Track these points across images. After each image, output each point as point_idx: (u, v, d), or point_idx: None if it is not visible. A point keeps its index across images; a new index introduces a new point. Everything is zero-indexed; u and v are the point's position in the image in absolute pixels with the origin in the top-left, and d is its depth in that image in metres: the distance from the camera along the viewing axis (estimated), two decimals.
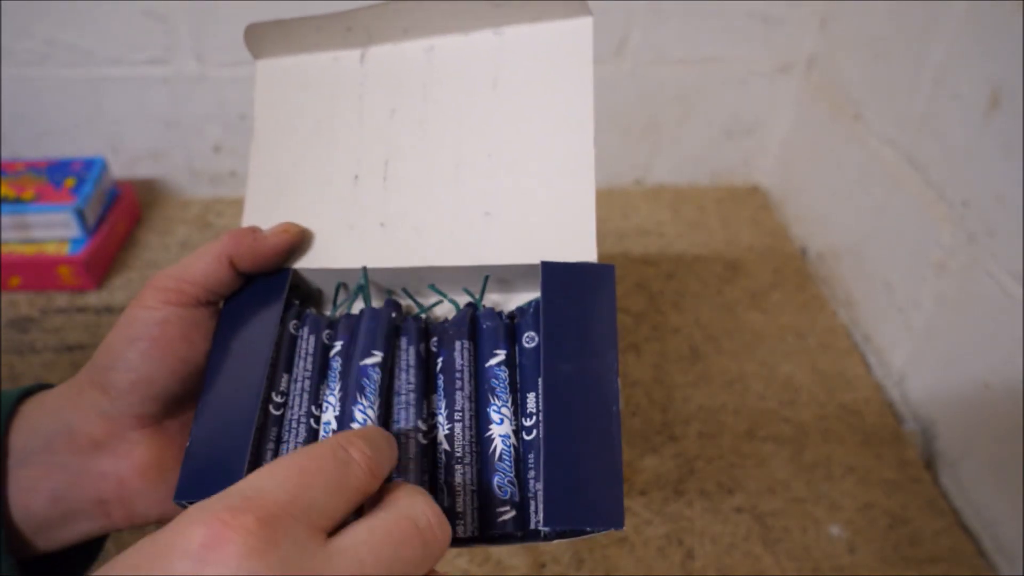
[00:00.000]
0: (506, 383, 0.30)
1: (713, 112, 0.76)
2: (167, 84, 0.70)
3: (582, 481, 0.26)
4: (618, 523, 0.25)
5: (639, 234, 0.73)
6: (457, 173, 0.33)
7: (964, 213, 0.50)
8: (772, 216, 0.77)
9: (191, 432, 0.29)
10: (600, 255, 0.30)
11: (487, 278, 0.32)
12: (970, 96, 0.50)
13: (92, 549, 0.32)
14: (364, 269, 0.33)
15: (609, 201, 0.78)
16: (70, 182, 0.65)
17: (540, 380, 0.28)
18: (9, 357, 0.58)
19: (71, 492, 0.29)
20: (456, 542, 0.27)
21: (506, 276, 0.33)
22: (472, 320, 0.32)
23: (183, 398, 0.31)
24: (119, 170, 0.75)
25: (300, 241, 0.34)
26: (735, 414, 0.56)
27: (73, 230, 0.64)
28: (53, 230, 0.63)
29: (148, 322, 0.29)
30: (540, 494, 0.26)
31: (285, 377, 0.31)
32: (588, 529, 0.25)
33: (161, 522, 0.30)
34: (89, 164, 0.67)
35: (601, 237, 0.31)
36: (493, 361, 0.30)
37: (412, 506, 0.22)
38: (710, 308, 0.65)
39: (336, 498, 0.21)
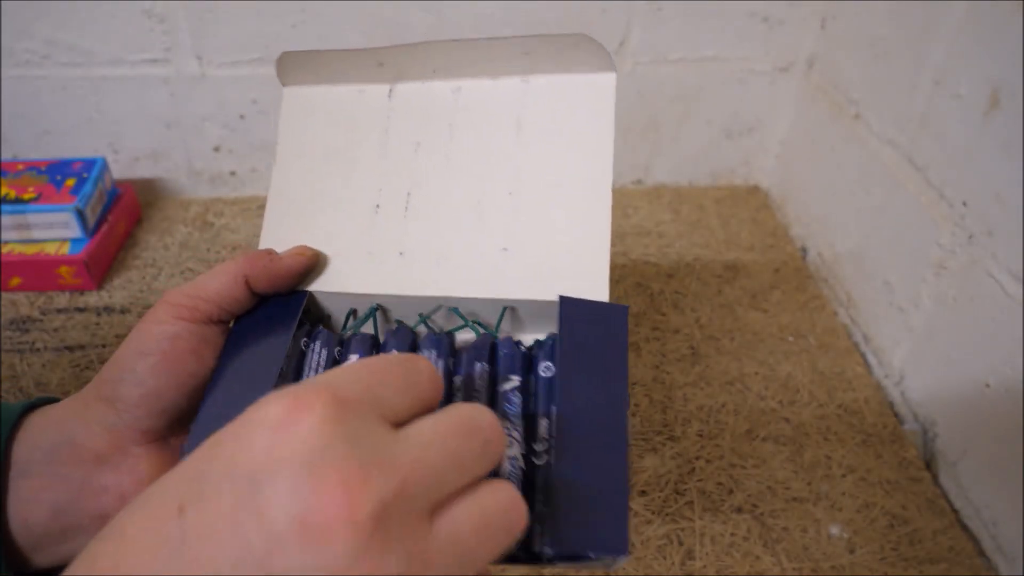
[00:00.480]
0: (519, 408, 0.30)
1: (713, 112, 0.76)
2: (167, 84, 0.70)
3: (589, 508, 0.26)
4: (623, 550, 0.26)
5: (639, 234, 0.73)
6: (478, 209, 0.34)
7: (964, 213, 0.50)
8: (772, 216, 0.77)
9: (183, 447, 0.29)
10: None
11: (504, 309, 0.33)
12: (970, 96, 0.50)
13: None
14: (374, 306, 0.34)
15: None
16: (70, 182, 0.65)
17: (554, 407, 0.29)
18: (9, 357, 0.58)
19: (72, 506, 0.29)
20: None
21: (517, 310, 0.33)
22: (492, 346, 0.32)
23: (189, 415, 0.31)
24: (119, 170, 0.75)
25: (315, 264, 0.34)
26: (735, 414, 0.56)
27: (73, 230, 0.64)
28: (53, 230, 0.63)
29: (159, 337, 0.30)
30: (546, 518, 0.27)
31: None
32: (592, 556, 0.26)
33: None
34: (89, 164, 0.67)
35: None
36: (507, 386, 0.31)
37: (474, 410, 0.23)
38: (710, 308, 0.65)
39: (404, 398, 0.22)
